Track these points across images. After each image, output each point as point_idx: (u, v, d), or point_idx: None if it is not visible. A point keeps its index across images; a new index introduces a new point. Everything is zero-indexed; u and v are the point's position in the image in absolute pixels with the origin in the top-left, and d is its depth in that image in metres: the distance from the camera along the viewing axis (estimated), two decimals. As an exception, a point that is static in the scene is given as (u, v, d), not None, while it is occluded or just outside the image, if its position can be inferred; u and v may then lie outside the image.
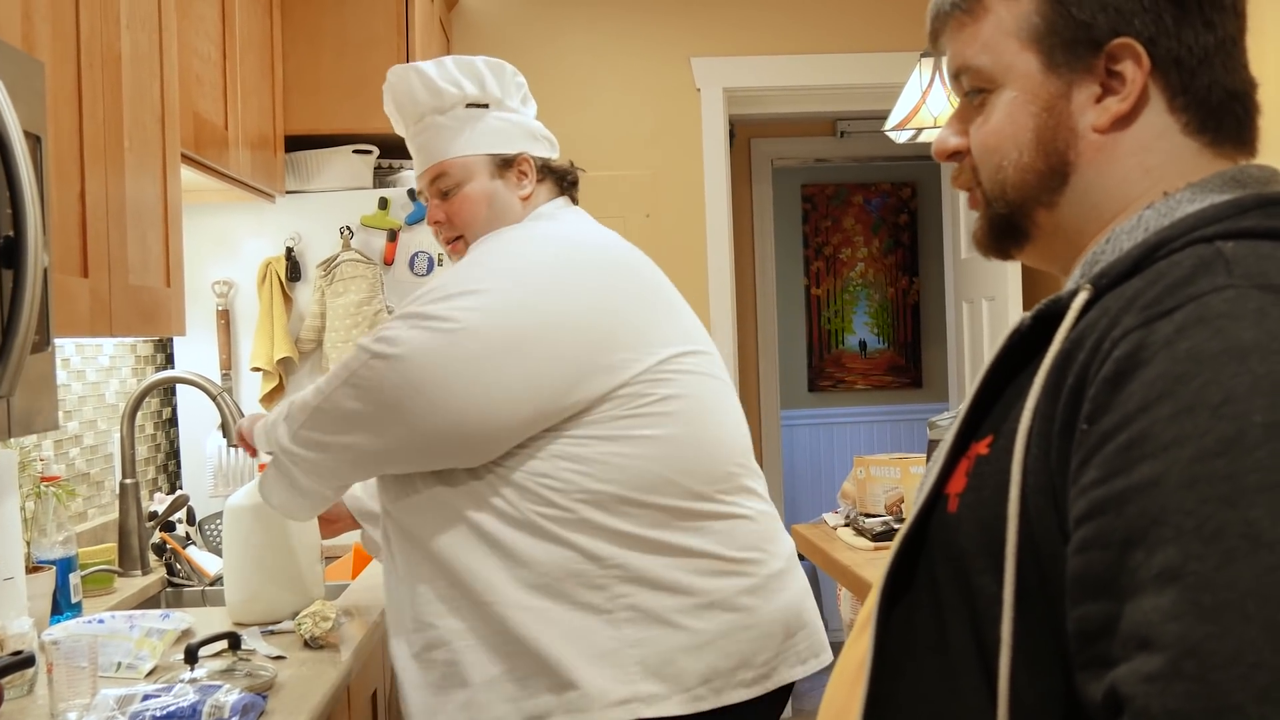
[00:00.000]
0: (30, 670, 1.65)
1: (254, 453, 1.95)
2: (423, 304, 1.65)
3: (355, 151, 3.05)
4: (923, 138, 2.50)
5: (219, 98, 2.43)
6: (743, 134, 5.30)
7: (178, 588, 2.57)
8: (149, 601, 2.47)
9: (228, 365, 3.01)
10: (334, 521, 2.14)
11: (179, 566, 2.60)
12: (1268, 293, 0.76)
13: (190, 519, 2.84)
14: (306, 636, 1.88)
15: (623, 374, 1.65)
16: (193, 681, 1.58)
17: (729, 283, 4.13)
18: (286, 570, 2.09)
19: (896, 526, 2.52)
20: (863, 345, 6.51)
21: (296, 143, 3.01)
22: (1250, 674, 0.66)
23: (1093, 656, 0.75)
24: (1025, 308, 3.57)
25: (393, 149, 3.17)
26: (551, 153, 1.94)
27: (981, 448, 0.88)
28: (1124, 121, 0.92)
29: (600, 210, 3.98)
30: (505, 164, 1.86)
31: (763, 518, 1.78)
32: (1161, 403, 0.74)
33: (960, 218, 4.04)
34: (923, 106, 2.38)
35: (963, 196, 4.08)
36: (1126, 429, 0.75)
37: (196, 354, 3.01)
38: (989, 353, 3.43)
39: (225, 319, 3.00)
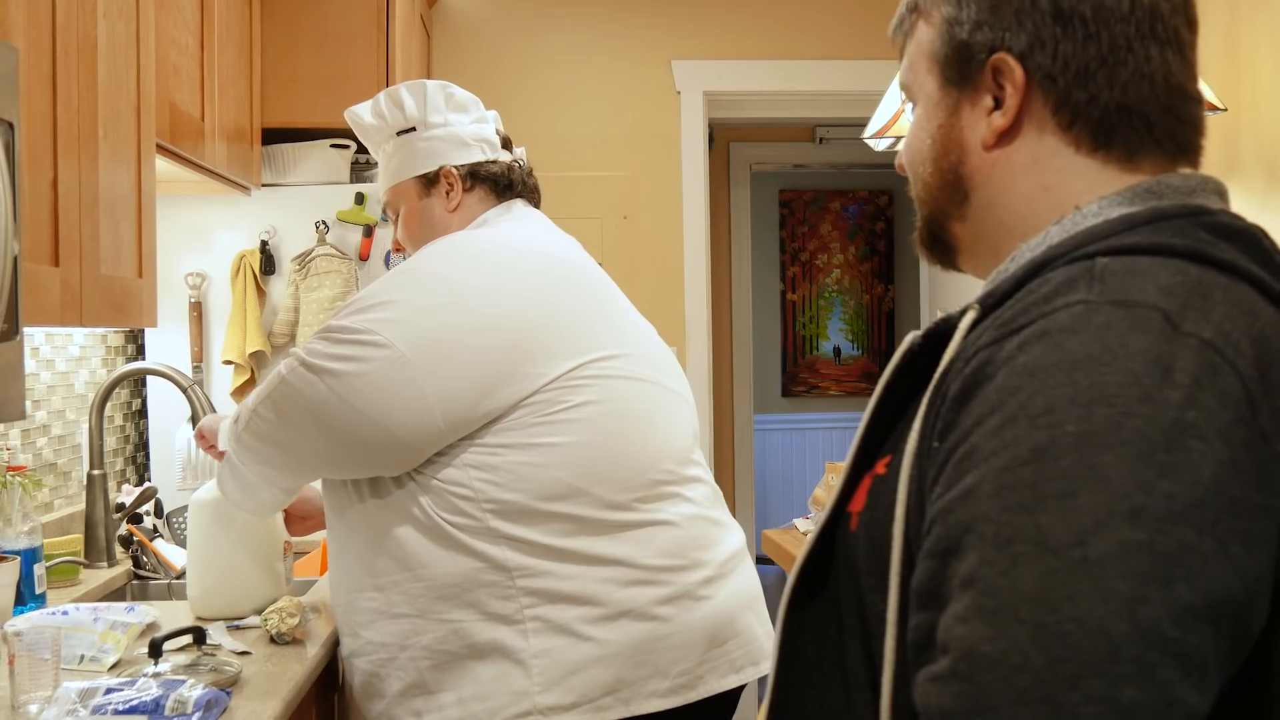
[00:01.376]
0: (-9, 661, 1.64)
1: (219, 454, 1.95)
2: (342, 317, 1.71)
3: (332, 146, 3.03)
4: (900, 145, 2.50)
5: (196, 89, 2.42)
6: (722, 138, 5.31)
7: (144, 580, 2.55)
8: (115, 594, 2.45)
9: (199, 358, 2.99)
10: (306, 519, 2.14)
11: (145, 559, 2.58)
12: (1119, 308, 0.76)
13: (158, 511, 2.82)
14: (273, 632, 1.87)
15: (537, 381, 1.67)
16: (156, 675, 1.57)
17: (705, 286, 4.14)
18: (248, 565, 2.08)
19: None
20: (837, 351, 6.54)
21: (273, 136, 3.00)
22: (1011, 676, 0.67)
23: (921, 666, 0.75)
24: (998, 317, 3.59)
25: (370, 144, 3.16)
26: (489, 155, 1.96)
27: (880, 467, 0.90)
28: (1008, 137, 0.92)
29: (578, 210, 4.02)
30: (430, 181, 1.94)
31: (691, 523, 1.76)
32: (992, 415, 0.75)
33: (936, 226, 4.06)
34: (902, 114, 2.39)
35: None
36: (964, 444, 0.76)
37: (168, 346, 2.99)
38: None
39: (198, 311, 2.98)
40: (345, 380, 1.65)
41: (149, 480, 3.04)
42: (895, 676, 0.80)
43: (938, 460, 0.79)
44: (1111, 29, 0.88)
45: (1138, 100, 0.89)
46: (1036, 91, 0.90)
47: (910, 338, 0.90)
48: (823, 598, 0.91)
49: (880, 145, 2.53)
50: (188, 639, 1.74)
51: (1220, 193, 0.91)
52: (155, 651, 1.63)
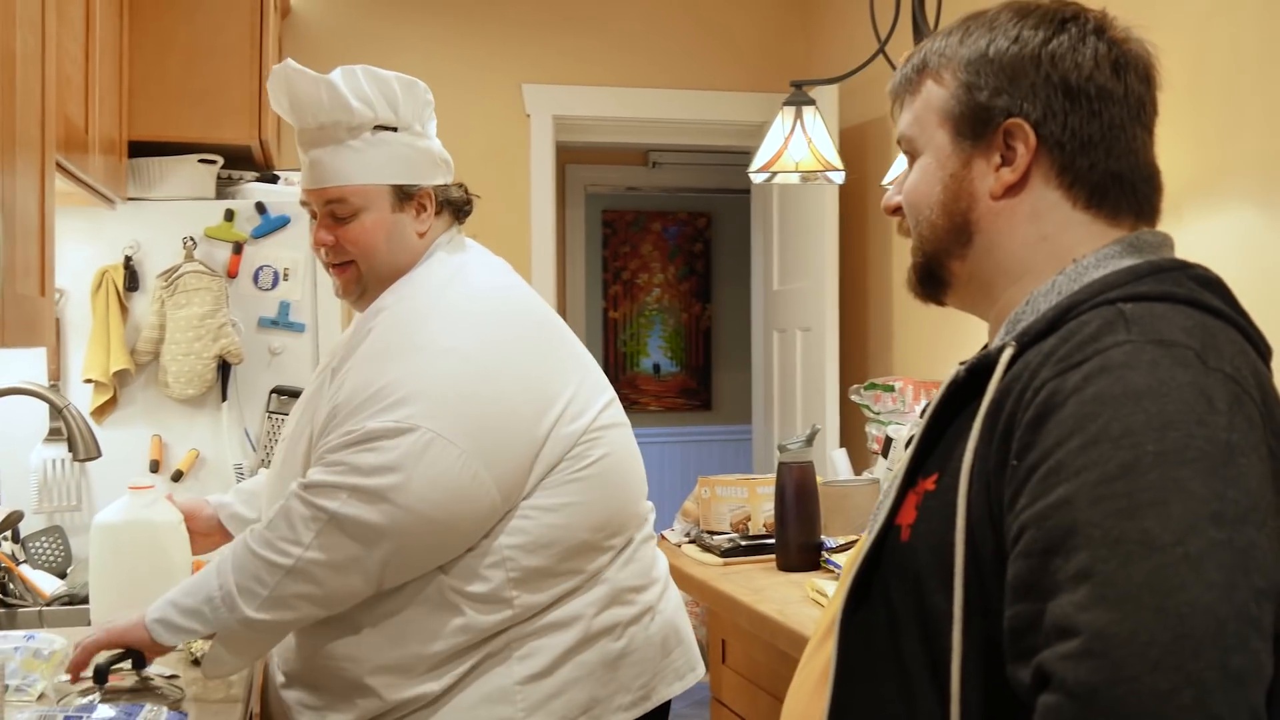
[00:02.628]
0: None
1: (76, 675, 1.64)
2: (370, 418, 1.59)
3: (200, 161, 2.98)
4: (778, 179, 2.66)
5: (82, 100, 2.35)
6: (560, 159, 5.40)
7: (11, 609, 2.45)
8: (-18, 623, 2.35)
9: (56, 375, 2.88)
10: (208, 535, 2.10)
11: (12, 586, 2.48)
12: (1159, 346, 0.92)
13: (14, 536, 2.71)
14: (198, 654, 1.85)
15: (569, 441, 1.68)
16: (119, 695, 1.55)
17: (552, 305, 4.22)
18: (159, 588, 2.03)
19: (744, 543, 2.66)
20: (656, 368, 6.71)
21: (138, 149, 2.92)
22: (1144, 650, 0.81)
23: (1022, 649, 0.89)
24: (842, 339, 3.81)
25: (236, 160, 3.11)
26: (449, 177, 1.90)
27: (929, 484, 1.02)
28: (1014, 190, 1.06)
29: (427, 229, 4.02)
30: (407, 196, 1.79)
31: (648, 543, 1.85)
32: (1073, 437, 0.90)
33: (775, 250, 4.26)
34: (784, 152, 2.54)
35: (776, 227, 4.31)
36: (1046, 461, 0.90)
37: (20, 363, 2.86)
38: (801, 380, 3.58)
39: (55, 327, 2.87)
40: (407, 489, 1.55)
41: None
42: (963, 662, 0.94)
43: (1017, 476, 0.92)
44: (1111, 110, 1.04)
45: (1127, 170, 1.06)
46: (1044, 154, 1.05)
47: (954, 371, 1.03)
48: (869, 603, 1.02)
49: (759, 179, 2.68)
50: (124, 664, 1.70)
51: (1172, 246, 1.09)
52: (100, 677, 1.61)
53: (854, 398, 3.06)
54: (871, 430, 2.97)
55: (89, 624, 2.12)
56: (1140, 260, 1.02)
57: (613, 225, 6.55)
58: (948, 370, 1.07)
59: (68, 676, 1.64)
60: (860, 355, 3.90)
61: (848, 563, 1.10)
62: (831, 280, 3.70)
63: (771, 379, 4.24)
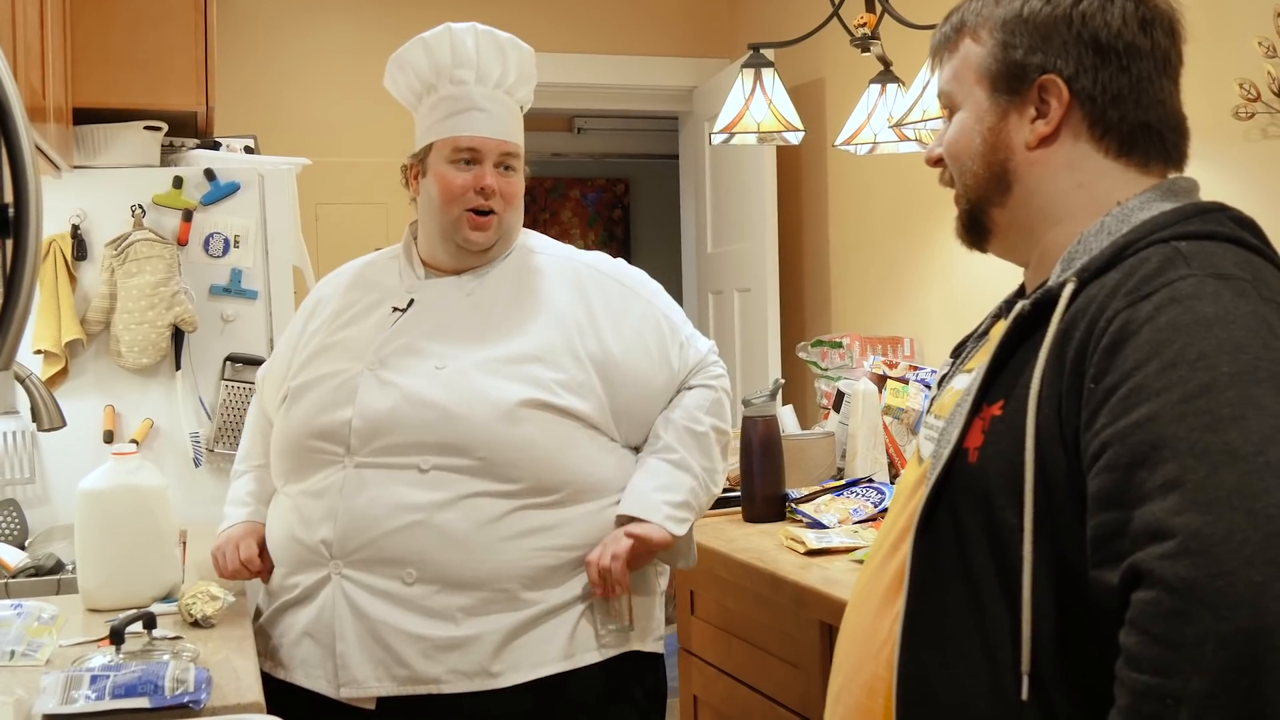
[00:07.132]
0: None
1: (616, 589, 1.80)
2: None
3: (146, 128, 2.94)
4: (735, 140, 2.72)
5: (39, 65, 2.31)
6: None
7: (-24, 582, 2.42)
8: (-50, 598, 2.32)
9: (4, 348, 2.83)
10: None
11: (-25, 560, 2.45)
12: (1219, 279, 1.02)
13: (-32, 511, 2.67)
14: (198, 616, 1.87)
15: None
16: (132, 656, 1.56)
17: (489, 271, 4.24)
18: (146, 554, 2.05)
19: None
20: (578, 335, 6.76)
21: (80, 116, 2.87)
22: (1239, 548, 0.90)
23: (1109, 553, 0.98)
24: (783, 298, 3.90)
25: (176, 127, 3.07)
26: None
27: (995, 410, 1.10)
28: (1049, 141, 1.15)
29: (363, 196, 4.03)
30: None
31: None
32: (1150, 362, 0.98)
33: (708, 215, 4.33)
34: (745, 114, 2.61)
35: (709, 191, 4.38)
36: (1125, 383, 0.99)
37: (-35, 336, 2.80)
38: (740, 340, 3.66)
39: (1, 299, 2.82)
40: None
41: (-55, 479, 2.85)
42: (1034, 570, 1.02)
43: (1094, 398, 1.00)
44: (1139, 64, 1.13)
45: (1155, 120, 1.14)
46: (1076, 108, 1.13)
47: (1020, 306, 1.11)
48: (936, 522, 1.10)
49: (718, 140, 2.74)
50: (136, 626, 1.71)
51: (1199, 190, 1.18)
52: (118, 638, 1.62)
53: (801, 355, 3.15)
54: (821, 386, 3.06)
55: (57, 593, 2.12)
56: (1180, 203, 1.11)
57: (532, 193, 6.57)
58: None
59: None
60: (798, 314, 4.00)
61: (901, 488, 1.17)
62: (772, 241, 3.79)
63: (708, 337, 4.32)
